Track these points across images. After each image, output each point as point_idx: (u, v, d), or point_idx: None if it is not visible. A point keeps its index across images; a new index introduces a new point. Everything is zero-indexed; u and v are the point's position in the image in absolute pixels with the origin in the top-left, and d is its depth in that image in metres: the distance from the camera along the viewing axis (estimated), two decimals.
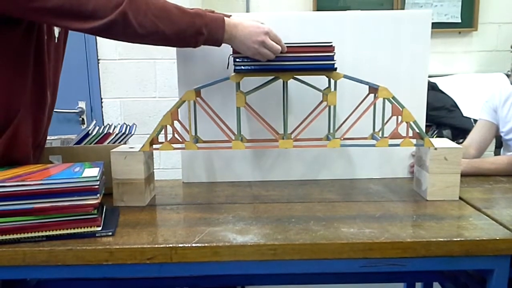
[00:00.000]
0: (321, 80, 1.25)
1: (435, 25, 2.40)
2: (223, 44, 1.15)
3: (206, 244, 0.97)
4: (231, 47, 1.17)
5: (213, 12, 1.17)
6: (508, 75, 1.74)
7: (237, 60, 1.18)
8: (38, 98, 1.16)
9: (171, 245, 0.97)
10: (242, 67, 1.18)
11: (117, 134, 1.38)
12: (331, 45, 1.18)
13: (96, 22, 1.02)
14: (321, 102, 1.30)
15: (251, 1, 3.18)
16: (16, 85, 1.10)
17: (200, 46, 1.15)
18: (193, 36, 1.11)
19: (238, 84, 1.21)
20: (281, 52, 1.17)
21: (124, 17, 1.03)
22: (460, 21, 2.70)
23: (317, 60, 1.17)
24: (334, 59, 1.18)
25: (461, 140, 2.11)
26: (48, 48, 1.16)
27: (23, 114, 1.12)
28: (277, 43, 1.15)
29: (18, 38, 1.08)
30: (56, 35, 1.21)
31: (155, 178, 1.37)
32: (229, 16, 1.18)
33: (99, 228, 1.02)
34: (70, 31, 1.25)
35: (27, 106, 1.13)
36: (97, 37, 2.58)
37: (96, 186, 1.01)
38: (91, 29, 1.03)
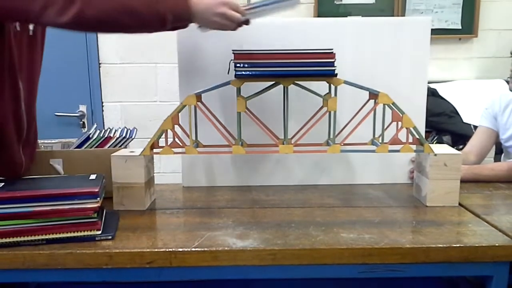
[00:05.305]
0: (321, 86, 1.25)
1: (435, 31, 2.40)
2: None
3: (206, 249, 0.97)
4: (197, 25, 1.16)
5: None
6: (508, 82, 1.74)
7: (238, 65, 1.19)
8: (13, 94, 1.15)
9: (170, 250, 0.97)
10: (243, 72, 1.18)
11: (117, 138, 1.39)
12: (332, 52, 1.18)
13: (56, 20, 1.02)
14: (321, 107, 1.31)
15: None
16: None
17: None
18: (159, 25, 1.10)
19: (238, 89, 1.21)
20: (245, 23, 1.16)
21: (82, 18, 1.02)
22: (460, 27, 2.70)
23: (317, 66, 1.18)
24: (335, 65, 1.18)
25: (461, 146, 2.11)
26: (20, 41, 1.14)
27: (4, 112, 1.12)
28: (236, 11, 1.13)
29: None
30: (31, 27, 1.19)
31: (155, 182, 1.37)
32: None
33: (99, 232, 1.02)
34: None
35: (6, 104, 1.12)
36: (98, 42, 2.60)
37: (96, 190, 1.01)
38: (60, 25, 1.03)
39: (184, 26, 1.16)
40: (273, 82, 1.23)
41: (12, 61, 1.13)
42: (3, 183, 1.05)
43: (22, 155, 1.21)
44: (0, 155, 1.14)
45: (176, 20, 1.11)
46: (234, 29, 1.16)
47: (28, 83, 1.22)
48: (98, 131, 1.41)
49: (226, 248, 0.98)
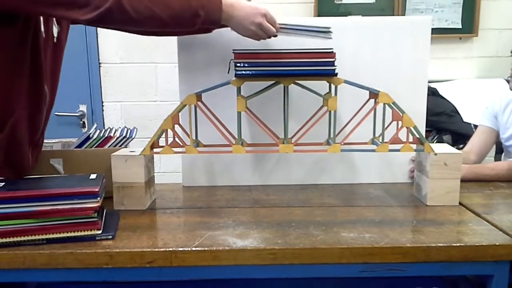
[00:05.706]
0: (321, 85, 1.25)
1: (435, 31, 2.40)
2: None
3: (206, 248, 0.97)
4: (231, 28, 1.19)
5: None
6: (508, 81, 1.74)
7: (238, 64, 1.18)
8: (35, 98, 1.16)
9: (171, 249, 0.97)
10: (243, 72, 1.18)
11: (117, 138, 1.38)
12: (332, 51, 1.18)
13: (92, 11, 1.03)
14: (322, 107, 1.31)
15: None
16: (12, 86, 1.10)
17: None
18: (190, 19, 1.11)
19: (239, 89, 1.21)
20: (275, 36, 1.21)
21: (119, 4, 1.03)
22: (460, 26, 2.70)
23: (318, 66, 1.18)
24: (335, 64, 1.18)
25: (461, 146, 2.11)
26: (45, 48, 1.16)
27: (20, 114, 1.12)
28: (272, 25, 1.18)
29: (14, 39, 1.07)
30: (55, 34, 1.20)
31: (156, 182, 1.37)
32: None
33: (99, 232, 1.02)
34: (69, 32, 1.25)
35: (23, 106, 1.13)
36: (99, 41, 2.60)
37: (97, 190, 1.01)
38: (87, 19, 1.04)
39: (212, 28, 1.18)
40: (273, 82, 1.23)
41: (40, 64, 1.13)
42: (3, 183, 1.05)
43: (30, 156, 1.21)
44: (10, 156, 1.14)
45: (207, 18, 1.12)
46: (262, 39, 1.21)
47: (50, 88, 1.22)
48: (98, 131, 1.41)
49: (226, 248, 0.98)
